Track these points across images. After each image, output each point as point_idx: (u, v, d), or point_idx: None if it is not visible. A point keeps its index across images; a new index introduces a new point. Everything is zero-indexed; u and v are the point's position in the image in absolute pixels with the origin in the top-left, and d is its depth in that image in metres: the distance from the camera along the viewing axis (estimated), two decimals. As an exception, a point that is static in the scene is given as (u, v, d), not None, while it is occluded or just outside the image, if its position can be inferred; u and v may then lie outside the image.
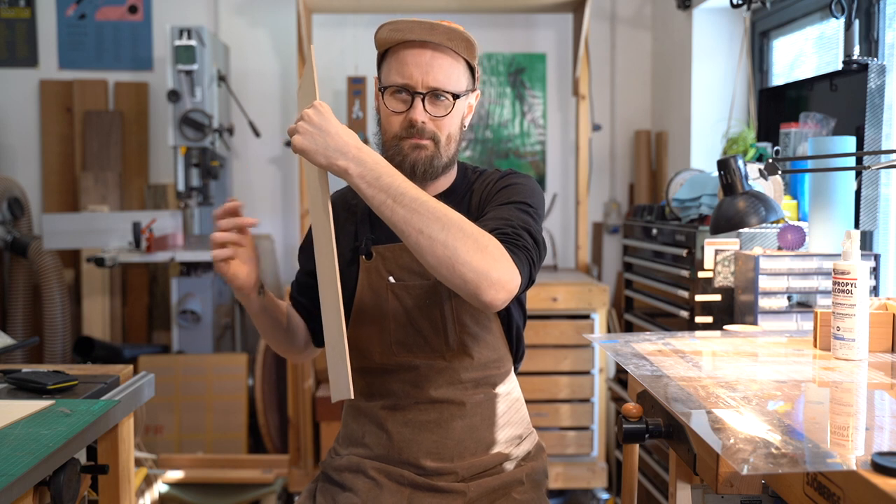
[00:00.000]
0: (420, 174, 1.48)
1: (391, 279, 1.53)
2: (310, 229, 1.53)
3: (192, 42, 3.48)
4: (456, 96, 1.48)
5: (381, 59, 1.53)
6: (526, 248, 1.37)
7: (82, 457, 1.38)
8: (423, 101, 1.46)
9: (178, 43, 3.48)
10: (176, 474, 3.26)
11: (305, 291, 1.65)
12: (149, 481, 3.13)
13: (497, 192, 1.51)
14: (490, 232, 1.33)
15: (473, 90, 1.54)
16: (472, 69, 1.53)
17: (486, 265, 1.26)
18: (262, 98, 4.02)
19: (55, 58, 4.04)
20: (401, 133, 1.48)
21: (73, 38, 4.04)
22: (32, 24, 4.03)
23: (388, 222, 1.28)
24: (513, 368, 1.65)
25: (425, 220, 1.25)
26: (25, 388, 1.44)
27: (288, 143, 3.98)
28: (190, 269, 3.71)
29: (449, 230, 1.25)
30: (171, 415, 3.52)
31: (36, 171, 4.06)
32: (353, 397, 1.29)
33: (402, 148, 1.48)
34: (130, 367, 1.65)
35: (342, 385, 1.31)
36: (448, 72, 1.47)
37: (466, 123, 1.57)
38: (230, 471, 3.31)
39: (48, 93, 4.02)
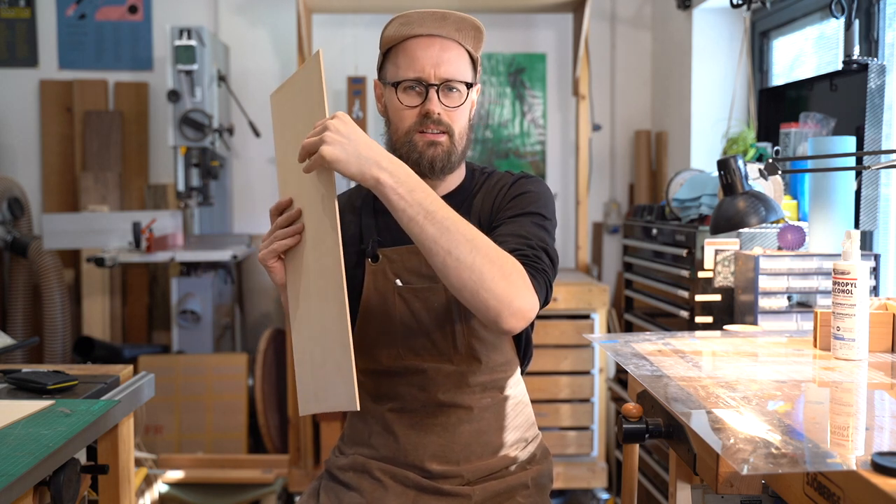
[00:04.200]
0: (438, 170, 1.48)
1: (398, 282, 1.52)
2: None
3: (192, 42, 3.48)
4: (469, 85, 1.49)
5: (385, 56, 1.53)
6: (544, 270, 1.38)
7: (82, 457, 1.38)
8: (437, 92, 1.46)
9: (178, 43, 3.48)
10: (176, 474, 3.26)
11: None
12: (149, 481, 3.13)
13: (511, 200, 1.50)
14: (510, 253, 1.32)
15: (476, 84, 1.54)
16: (474, 63, 1.53)
17: (510, 294, 1.26)
18: (262, 98, 4.02)
19: (55, 58, 4.04)
20: (415, 126, 1.47)
21: (73, 38, 4.04)
22: (32, 24, 4.03)
23: (414, 238, 1.27)
24: (520, 370, 1.64)
25: (455, 241, 1.24)
26: (25, 388, 1.44)
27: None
28: (190, 269, 3.71)
29: (477, 254, 1.25)
30: (171, 415, 3.52)
31: (36, 171, 4.06)
32: (358, 409, 1.24)
33: (417, 144, 1.47)
34: (130, 367, 1.65)
35: (341, 396, 1.26)
36: (457, 63, 1.48)
37: (473, 118, 1.56)
38: (230, 471, 3.31)
39: (48, 93, 4.02)
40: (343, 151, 1.25)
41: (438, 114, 1.46)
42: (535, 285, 1.32)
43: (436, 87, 1.46)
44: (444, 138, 1.48)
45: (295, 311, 1.40)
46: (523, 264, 1.32)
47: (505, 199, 1.52)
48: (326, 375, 1.30)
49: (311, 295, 1.34)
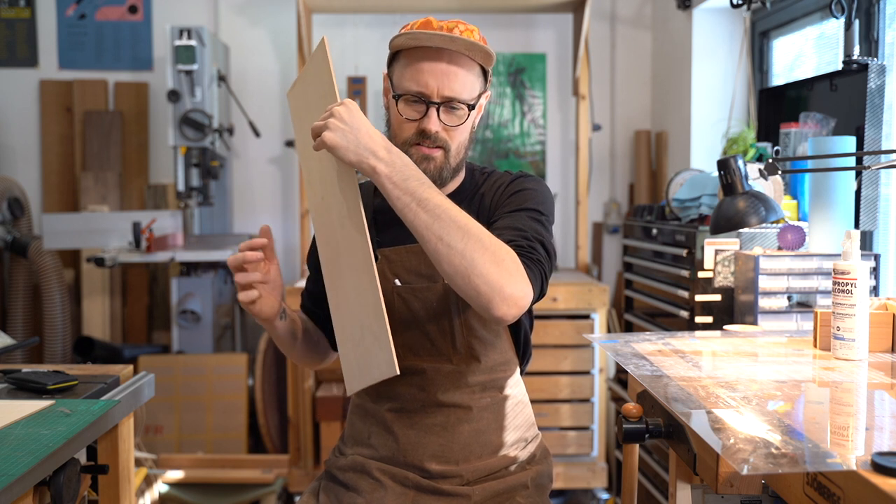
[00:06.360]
0: None
1: (397, 282, 1.52)
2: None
3: (192, 42, 3.48)
4: (471, 106, 1.47)
5: (393, 56, 1.52)
6: (539, 261, 1.38)
7: (82, 457, 1.38)
8: (437, 110, 1.45)
9: (178, 43, 3.48)
10: (176, 474, 3.26)
11: (320, 302, 1.62)
12: (149, 481, 3.13)
13: (509, 197, 1.51)
14: (506, 244, 1.33)
15: (485, 92, 1.53)
16: (485, 72, 1.52)
17: (501, 279, 1.26)
18: (262, 98, 4.02)
19: (55, 58, 4.04)
20: (412, 139, 1.47)
21: (73, 38, 4.04)
22: (32, 24, 4.03)
23: (409, 225, 1.29)
24: (519, 370, 1.64)
25: (446, 228, 1.26)
26: (25, 388, 1.44)
27: (289, 143, 3.99)
28: (190, 269, 3.71)
29: (468, 240, 1.26)
30: (171, 415, 3.52)
31: (36, 171, 4.06)
32: (398, 372, 1.26)
33: (411, 156, 1.46)
34: (130, 367, 1.64)
35: (382, 365, 1.28)
36: (463, 81, 1.45)
37: (476, 124, 1.55)
38: (230, 471, 3.31)
39: (48, 93, 4.02)
40: (343, 139, 1.28)
41: (436, 132, 1.46)
42: (529, 274, 1.32)
43: (436, 106, 1.45)
44: (438, 153, 1.48)
45: (333, 296, 1.44)
46: (518, 254, 1.33)
47: (503, 197, 1.52)
48: (367, 348, 1.34)
49: (345, 274, 1.39)
